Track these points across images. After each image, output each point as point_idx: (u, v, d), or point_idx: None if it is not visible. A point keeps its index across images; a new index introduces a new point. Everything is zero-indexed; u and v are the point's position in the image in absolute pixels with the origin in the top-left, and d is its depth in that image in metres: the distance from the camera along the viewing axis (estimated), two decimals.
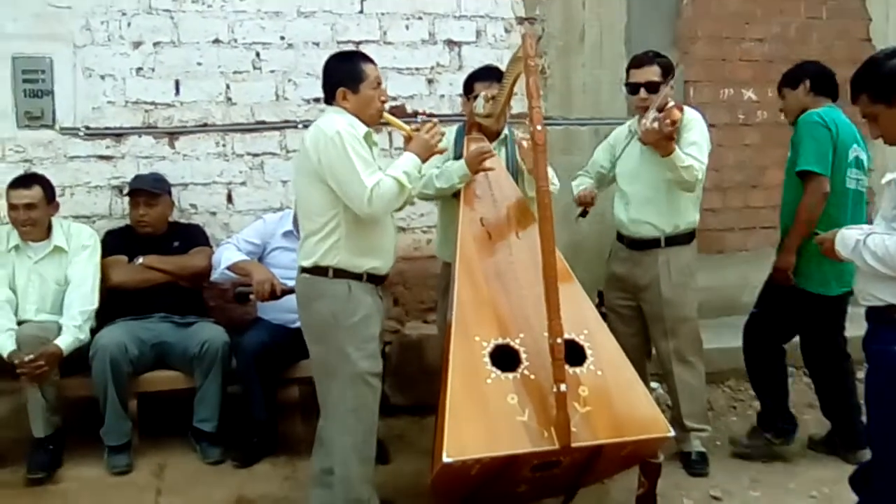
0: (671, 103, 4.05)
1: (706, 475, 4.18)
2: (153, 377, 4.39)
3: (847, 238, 3.04)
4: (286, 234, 4.57)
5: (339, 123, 3.35)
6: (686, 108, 4.21)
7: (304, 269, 3.47)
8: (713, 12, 5.87)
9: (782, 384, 4.51)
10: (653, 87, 4.11)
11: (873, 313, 3.07)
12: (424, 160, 3.52)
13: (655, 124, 3.87)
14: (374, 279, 3.48)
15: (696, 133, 4.08)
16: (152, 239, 4.60)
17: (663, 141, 3.89)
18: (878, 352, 3.05)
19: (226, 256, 4.47)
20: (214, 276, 4.53)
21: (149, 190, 4.57)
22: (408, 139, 3.60)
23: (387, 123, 3.68)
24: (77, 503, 3.95)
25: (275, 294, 4.26)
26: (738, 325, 4.67)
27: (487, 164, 3.82)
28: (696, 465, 4.21)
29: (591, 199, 4.25)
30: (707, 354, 4.42)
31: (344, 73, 3.48)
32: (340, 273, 3.40)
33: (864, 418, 3.76)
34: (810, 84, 4.31)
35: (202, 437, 4.36)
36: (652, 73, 4.14)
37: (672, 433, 3.45)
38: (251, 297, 4.33)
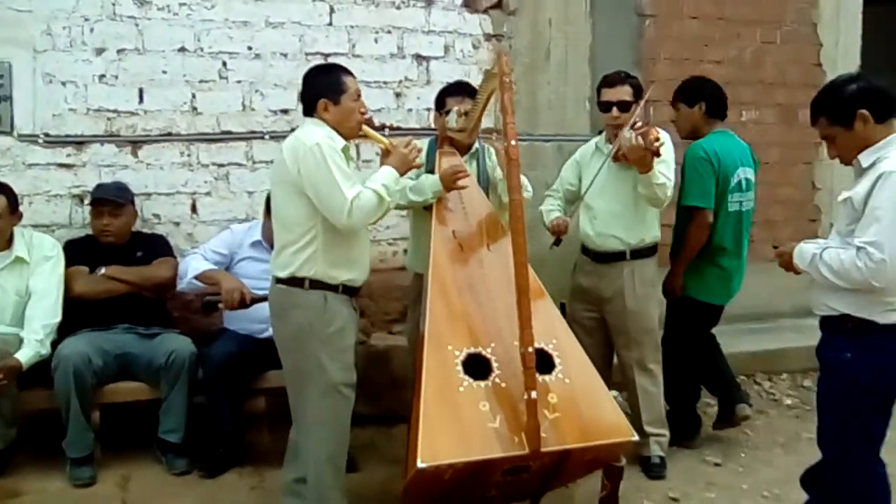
0: (639, 122, 4.16)
1: (664, 478, 4.31)
2: (116, 388, 4.34)
3: (804, 252, 3.18)
4: (254, 245, 4.58)
5: (318, 135, 3.37)
6: (657, 128, 4.28)
7: (279, 280, 3.48)
8: (674, 34, 6.04)
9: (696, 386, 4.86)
10: (624, 106, 4.22)
11: (827, 322, 3.24)
12: (402, 174, 3.57)
13: (640, 140, 3.95)
14: (350, 290, 3.51)
15: (666, 152, 4.17)
16: (114, 249, 4.53)
17: (648, 157, 3.97)
18: (832, 359, 3.21)
19: (193, 266, 4.45)
20: (181, 285, 4.51)
21: (113, 199, 4.51)
22: (386, 152, 3.64)
23: (365, 136, 3.71)
24: None
25: (244, 303, 4.26)
26: None
27: (461, 182, 3.88)
28: (655, 469, 4.33)
29: (565, 228, 4.29)
30: None
31: (325, 85, 3.50)
32: (316, 284, 3.42)
33: None
34: (706, 106, 4.55)
35: (167, 448, 4.33)
36: (624, 92, 4.25)
37: (636, 437, 3.54)
38: (220, 306, 4.32)
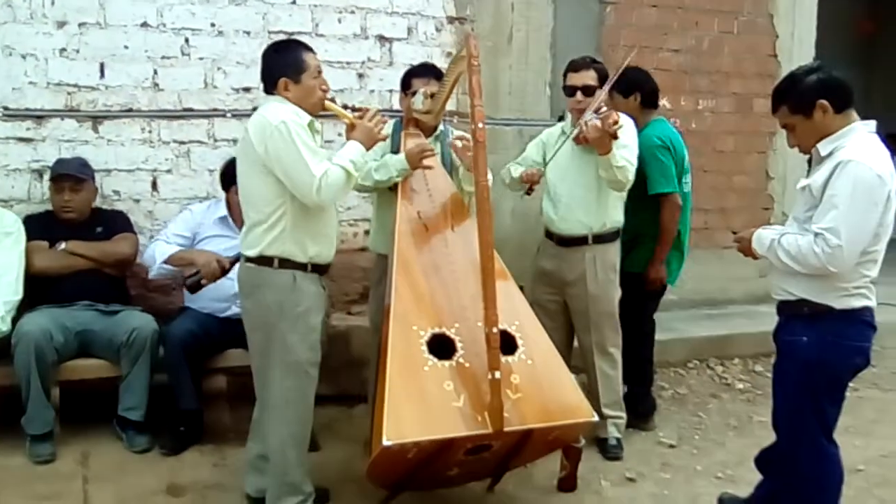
0: (604, 108, 4.21)
1: (621, 459, 4.39)
2: (76, 366, 4.30)
3: (763, 238, 3.26)
4: (221, 221, 4.56)
5: (283, 113, 3.35)
6: (620, 113, 4.33)
7: (248, 259, 3.47)
8: (634, 22, 6.11)
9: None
10: (588, 91, 4.28)
11: (785, 307, 3.33)
12: (368, 148, 3.57)
13: (598, 122, 4.01)
14: (319, 269, 3.52)
15: (627, 137, 4.24)
16: (74, 225, 4.49)
17: (606, 139, 4.02)
18: (789, 342, 3.30)
19: (159, 251, 4.43)
20: (152, 273, 4.49)
21: (75, 175, 4.47)
22: (351, 127, 3.63)
23: (328, 113, 3.68)
24: (2, 493, 3.86)
25: (225, 270, 4.22)
26: (658, 321, 4.96)
27: (427, 161, 3.91)
28: (612, 450, 4.41)
29: (538, 178, 4.34)
30: None
31: (285, 64, 3.47)
32: (285, 263, 3.42)
33: None
34: (641, 98, 4.68)
35: (128, 425, 4.31)
36: (589, 77, 4.31)
37: (596, 417, 3.63)
38: (203, 282, 4.24)
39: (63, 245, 4.41)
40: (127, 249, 4.56)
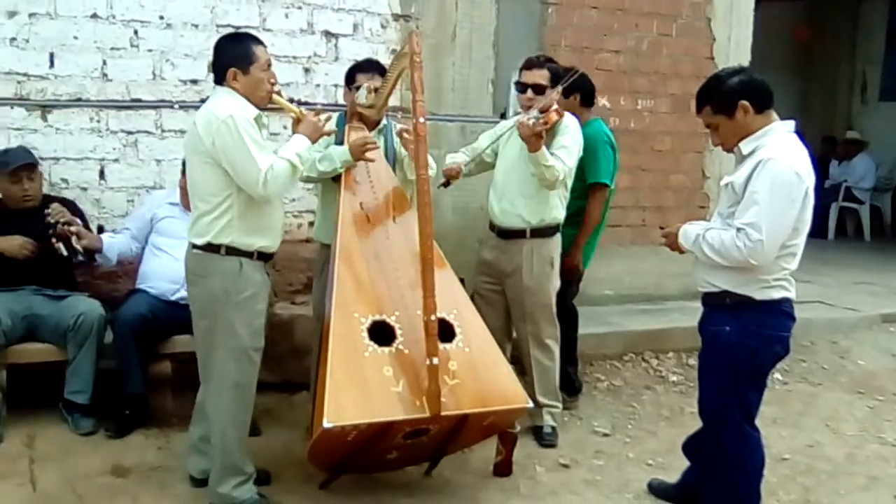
0: (554, 107, 4.31)
1: (556, 446, 4.51)
2: (23, 349, 4.35)
3: (689, 233, 3.42)
4: (172, 205, 4.65)
5: (230, 107, 3.42)
6: (567, 115, 4.49)
7: (195, 246, 3.54)
8: (575, 23, 6.22)
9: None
10: (538, 89, 4.39)
11: (709, 298, 3.49)
12: (314, 142, 3.66)
13: (531, 122, 4.14)
14: (264, 256, 3.60)
15: (568, 138, 4.38)
16: (22, 214, 4.47)
17: (533, 137, 4.14)
18: (712, 331, 3.46)
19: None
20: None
21: (31, 163, 4.48)
22: (296, 121, 3.71)
23: (275, 105, 3.76)
24: None
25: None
26: (599, 315, 5.11)
27: (370, 154, 4.00)
28: (547, 438, 4.53)
29: (456, 174, 4.51)
30: None
31: (235, 55, 3.53)
32: (232, 251, 3.49)
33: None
34: (580, 98, 4.90)
35: (74, 408, 4.35)
36: (540, 76, 4.41)
37: (530, 404, 3.76)
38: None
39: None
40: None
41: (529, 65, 4.50)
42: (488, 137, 4.71)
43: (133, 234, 4.64)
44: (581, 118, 4.73)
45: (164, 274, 4.46)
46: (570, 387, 5.05)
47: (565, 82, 4.42)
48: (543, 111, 4.25)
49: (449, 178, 4.50)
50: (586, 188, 4.83)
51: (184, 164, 4.47)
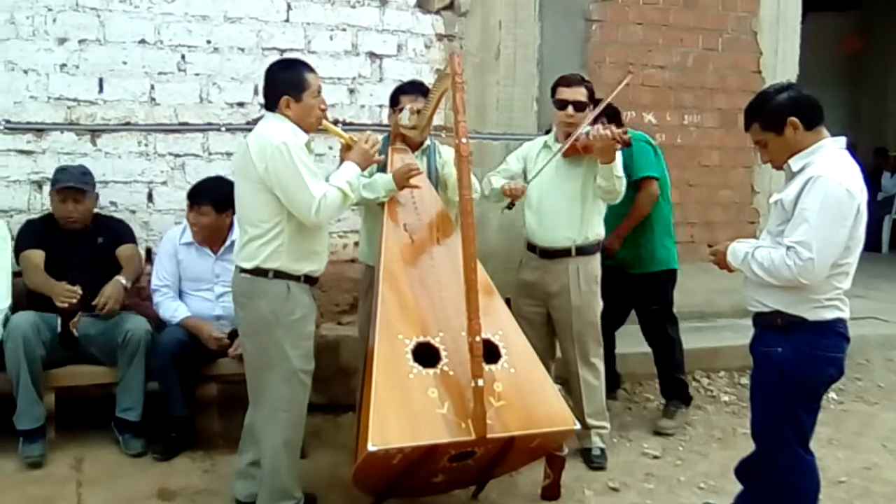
0: (598, 125, 4.26)
1: (605, 469, 4.44)
2: (71, 372, 4.40)
3: (737, 251, 3.35)
4: (187, 245, 4.63)
5: (283, 133, 3.44)
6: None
7: (242, 270, 3.56)
8: (619, 39, 6.20)
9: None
10: (580, 106, 4.37)
11: (759, 318, 3.40)
12: (363, 169, 3.69)
13: (607, 132, 4.10)
14: (310, 280, 3.62)
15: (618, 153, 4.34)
16: (75, 234, 4.53)
17: (613, 147, 4.12)
18: (764, 353, 3.37)
19: (172, 310, 4.54)
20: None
21: (78, 188, 4.51)
22: (346, 147, 3.75)
23: (325, 131, 3.79)
24: None
25: (224, 343, 4.40)
26: (631, 333, 5.07)
27: (414, 181, 3.99)
28: (596, 460, 4.46)
29: (521, 193, 4.39)
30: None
31: (287, 82, 3.56)
32: (280, 274, 3.51)
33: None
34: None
35: (125, 427, 4.39)
36: (580, 93, 4.40)
37: (577, 426, 3.71)
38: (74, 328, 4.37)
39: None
40: (138, 264, 4.66)
41: (568, 82, 4.47)
42: (516, 159, 4.66)
43: (175, 293, 4.63)
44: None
45: (195, 314, 4.53)
46: (684, 394, 5.19)
47: (615, 94, 4.44)
48: (593, 124, 4.26)
49: (513, 198, 4.40)
50: (635, 188, 4.84)
51: (191, 197, 4.55)
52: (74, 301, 4.27)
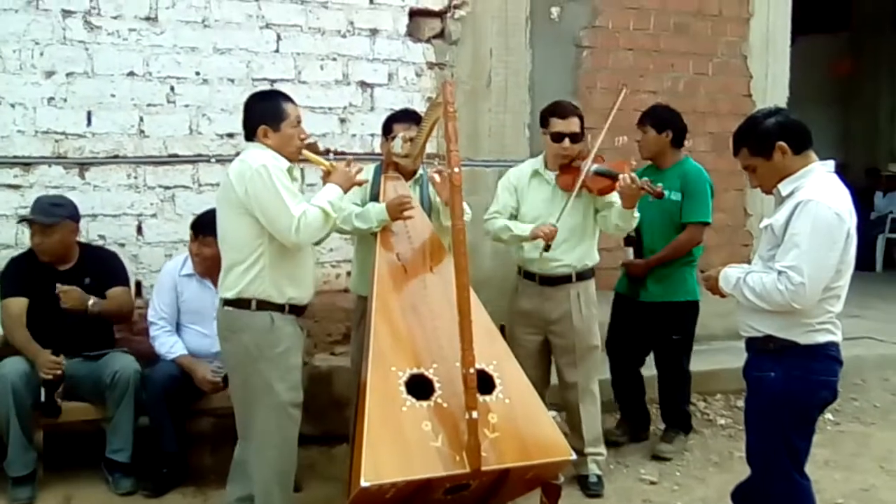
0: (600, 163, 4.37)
1: (602, 496, 4.42)
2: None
3: (729, 276, 3.34)
4: (188, 277, 4.58)
5: (263, 157, 3.46)
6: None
7: (226, 302, 3.54)
8: (610, 65, 6.22)
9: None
10: (576, 138, 4.38)
11: (752, 343, 3.40)
12: (346, 190, 3.67)
13: (637, 184, 4.14)
14: (296, 310, 3.59)
15: None
16: (60, 273, 4.39)
17: (638, 195, 4.19)
18: (757, 378, 3.37)
19: (167, 346, 4.48)
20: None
21: (39, 221, 4.33)
22: (326, 174, 3.74)
23: (306, 160, 3.79)
24: None
25: (218, 386, 4.33)
26: None
27: (407, 213, 3.97)
28: (593, 487, 4.44)
29: (554, 234, 4.32)
30: (601, 385, 4.70)
31: (265, 112, 3.58)
32: (263, 305, 3.49)
33: None
34: (672, 135, 4.92)
35: (115, 468, 4.34)
36: (575, 124, 4.40)
37: (573, 456, 3.67)
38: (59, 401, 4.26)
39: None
40: (128, 311, 4.59)
41: (563, 113, 4.44)
42: (510, 193, 4.60)
43: (172, 328, 4.57)
44: (669, 157, 4.91)
45: (192, 352, 4.48)
46: (686, 424, 5.16)
47: (610, 119, 4.50)
48: (583, 158, 4.34)
49: (549, 240, 4.32)
50: (680, 227, 4.88)
51: (194, 228, 4.51)
52: (59, 373, 4.18)
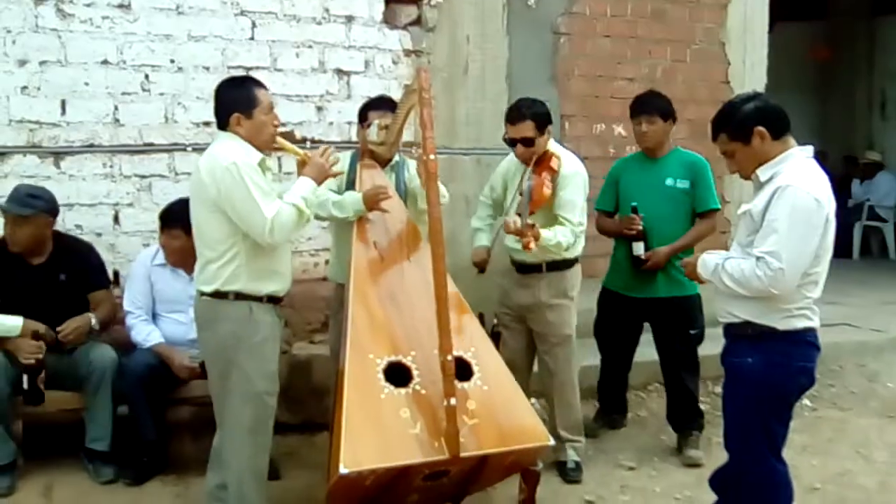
0: (545, 185, 4.25)
1: (580, 482, 4.44)
2: None
3: (707, 263, 3.35)
4: (161, 266, 4.56)
5: (234, 153, 3.39)
6: (566, 157, 4.41)
7: (203, 294, 3.51)
8: (588, 52, 6.21)
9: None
10: (528, 142, 4.32)
11: (730, 329, 3.41)
12: (319, 183, 3.61)
13: (516, 224, 4.07)
14: (274, 300, 3.57)
15: (570, 191, 4.33)
16: (33, 269, 4.36)
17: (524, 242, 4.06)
18: (735, 364, 3.38)
19: (143, 334, 4.46)
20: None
21: (13, 212, 4.27)
22: (301, 163, 3.69)
23: (280, 148, 3.74)
24: None
25: (197, 374, 4.30)
26: None
27: (384, 204, 3.95)
28: (571, 473, 4.46)
29: (486, 259, 4.49)
30: (582, 371, 4.73)
31: (236, 99, 3.51)
32: (241, 296, 3.46)
33: None
34: (673, 122, 4.85)
35: (94, 456, 4.32)
36: (526, 128, 4.32)
37: (552, 441, 3.68)
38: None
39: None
40: (112, 317, 4.56)
41: (512, 118, 4.38)
42: (499, 178, 4.65)
43: (149, 316, 4.55)
44: (665, 146, 4.84)
45: (169, 340, 4.47)
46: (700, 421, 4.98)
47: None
48: (538, 163, 4.27)
49: (481, 266, 4.45)
50: (692, 216, 4.81)
51: (162, 220, 4.48)
52: (41, 357, 4.16)
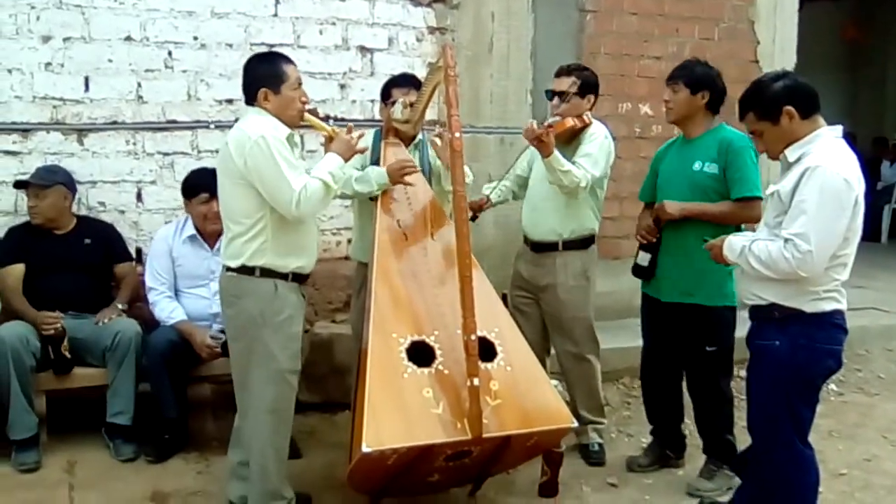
0: (585, 114, 4.27)
1: (604, 464, 4.42)
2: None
3: (734, 244, 3.30)
4: (191, 240, 4.57)
5: (262, 127, 3.38)
6: (595, 122, 4.40)
7: (229, 269, 3.51)
8: (615, 30, 6.14)
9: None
10: (563, 96, 4.30)
11: (756, 312, 3.36)
12: (346, 160, 3.60)
13: (533, 127, 4.05)
14: (299, 278, 3.56)
15: (592, 146, 4.28)
16: (59, 237, 4.52)
17: (535, 142, 4.05)
18: (761, 347, 3.33)
19: (167, 311, 4.47)
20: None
21: (34, 183, 4.48)
22: (329, 139, 3.67)
23: (307, 124, 3.72)
24: None
25: (215, 352, 4.33)
26: (632, 326, 4.95)
27: (408, 179, 3.93)
28: (594, 456, 4.44)
29: (480, 206, 4.43)
30: (604, 354, 4.66)
31: (265, 74, 3.50)
32: (267, 272, 3.45)
33: None
34: (709, 98, 4.16)
35: (116, 433, 4.34)
36: (564, 83, 4.33)
37: (575, 423, 3.65)
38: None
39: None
40: (135, 282, 4.65)
41: (558, 72, 4.43)
42: (526, 157, 4.59)
43: (171, 293, 4.56)
44: (702, 122, 4.18)
45: (191, 315, 4.48)
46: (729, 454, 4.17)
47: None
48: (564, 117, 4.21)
49: (475, 211, 4.36)
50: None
51: (184, 191, 4.54)
52: (59, 326, 4.23)
